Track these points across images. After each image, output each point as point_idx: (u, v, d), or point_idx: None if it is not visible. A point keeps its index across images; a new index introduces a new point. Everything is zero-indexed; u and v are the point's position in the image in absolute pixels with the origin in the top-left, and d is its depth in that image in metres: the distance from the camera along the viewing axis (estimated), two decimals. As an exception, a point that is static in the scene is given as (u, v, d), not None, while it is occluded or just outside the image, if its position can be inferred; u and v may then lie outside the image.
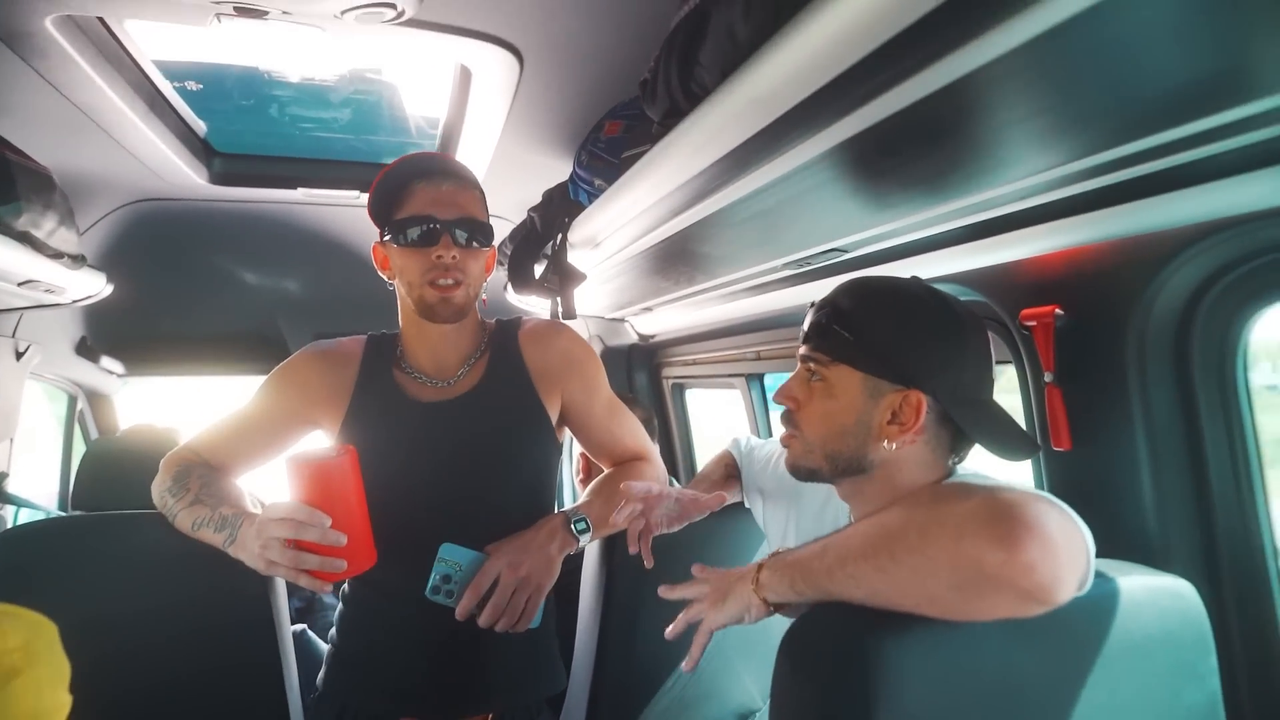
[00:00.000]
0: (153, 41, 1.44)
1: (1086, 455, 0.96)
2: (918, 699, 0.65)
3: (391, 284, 1.19)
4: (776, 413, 2.07)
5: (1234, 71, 0.55)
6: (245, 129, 1.88)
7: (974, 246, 1.02)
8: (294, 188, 2.02)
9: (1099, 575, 0.70)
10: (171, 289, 2.39)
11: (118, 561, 1.28)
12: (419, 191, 1.12)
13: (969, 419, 0.84)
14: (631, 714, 1.48)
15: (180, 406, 3.31)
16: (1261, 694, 0.86)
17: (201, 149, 1.92)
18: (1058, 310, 0.95)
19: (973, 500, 0.67)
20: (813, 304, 0.94)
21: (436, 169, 1.14)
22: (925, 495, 0.73)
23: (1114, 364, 0.91)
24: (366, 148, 2.05)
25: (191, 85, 1.52)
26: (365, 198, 2.02)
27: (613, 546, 1.44)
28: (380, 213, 1.15)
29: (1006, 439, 0.85)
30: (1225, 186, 0.73)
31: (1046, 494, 0.69)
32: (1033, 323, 0.97)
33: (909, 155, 0.80)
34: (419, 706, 1.16)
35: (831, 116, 0.72)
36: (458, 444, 1.17)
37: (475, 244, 1.14)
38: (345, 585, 1.25)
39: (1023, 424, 1.10)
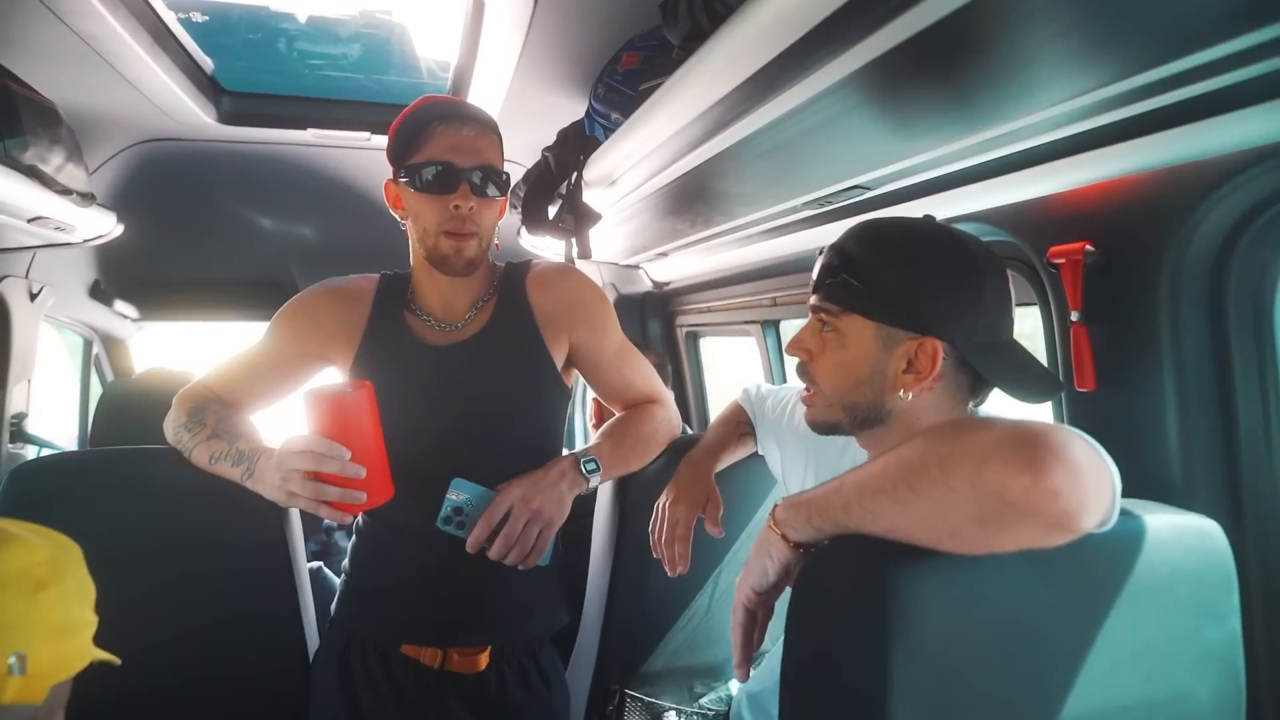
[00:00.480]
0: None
1: (1112, 395, 0.94)
2: (935, 632, 0.64)
3: (404, 223, 1.18)
4: (792, 361, 2.06)
5: None
6: (253, 66, 1.84)
7: (1001, 182, 0.99)
8: (304, 128, 1.99)
9: (1123, 513, 0.69)
10: (183, 232, 2.38)
11: (134, 495, 1.29)
12: (438, 135, 1.09)
13: (988, 363, 0.82)
14: (642, 653, 1.50)
15: (194, 351, 3.33)
16: (1276, 628, 0.86)
17: (209, 86, 1.89)
18: (1088, 247, 0.91)
19: (995, 429, 0.65)
20: (820, 249, 0.91)
21: (458, 113, 1.11)
22: (945, 428, 0.71)
23: (1145, 303, 0.89)
24: (377, 88, 2.02)
25: (197, 17, 1.48)
26: (376, 139, 2.02)
27: (625, 488, 1.44)
28: (397, 152, 1.13)
29: (1028, 381, 0.83)
30: (1268, 111, 0.69)
31: (1071, 428, 0.68)
32: (1061, 260, 0.94)
33: (934, 79, 0.76)
34: (421, 635, 1.20)
35: (857, 34, 0.69)
36: (464, 388, 1.17)
37: (491, 192, 1.12)
38: (359, 520, 1.27)
39: (1045, 364, 1.08)
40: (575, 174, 1.38)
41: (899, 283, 0.82)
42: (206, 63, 1.81)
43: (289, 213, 2.46)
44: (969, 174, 1.00)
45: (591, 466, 1.17)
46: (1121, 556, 0.70)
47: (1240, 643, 0.75)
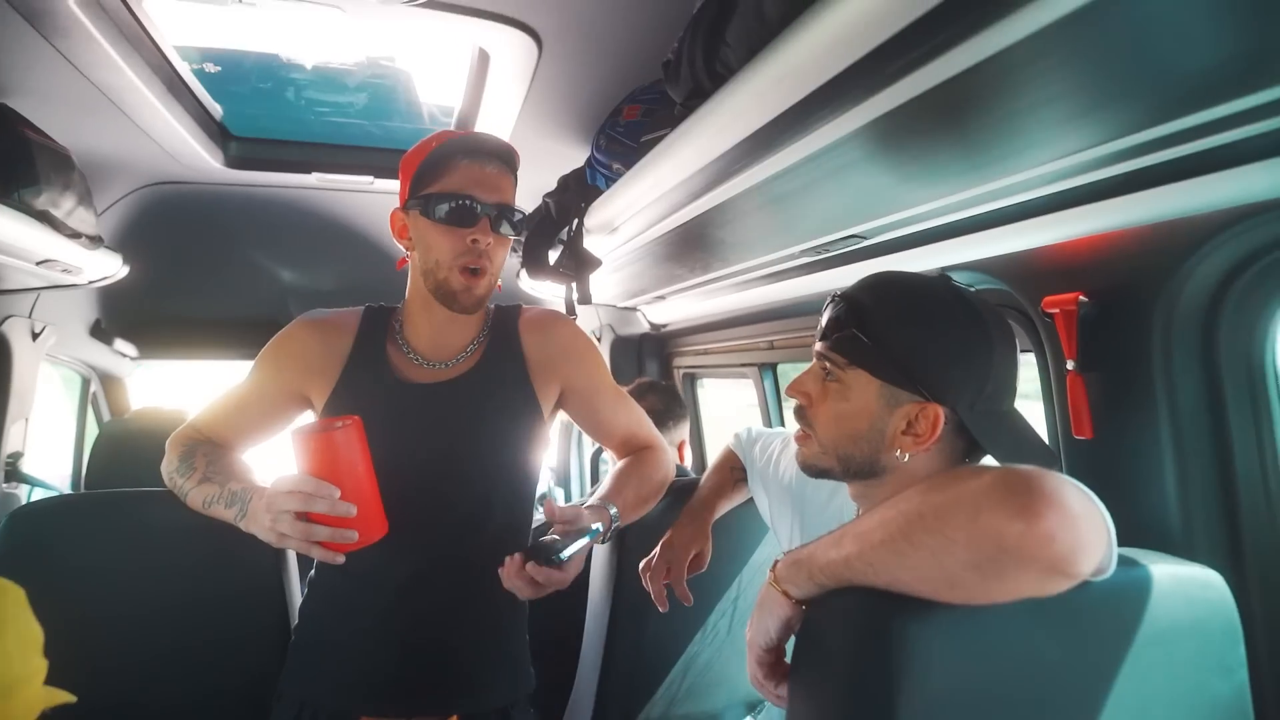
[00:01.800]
0: (171, 22, 1.44)
1: (1108, 444, 0.95)
2: (940, 682, 0.64)
3: (408, 253, 1.17)
4: (789, 403, 2.07)
5: (1269, 51, 0.54)
6: (261, 112, 1.88)
7: (996, 233, 1.01)
8: (308, 172, 2.03)
9: (1124, 561, 0.69)
10: (185, 272, 2.40)
11: (131, 538, 1.29)
12: (462, 167, 1.09)
13: (987, 433, 0.82)
14: (640, 702, 1.48)
15: (191, 389, 3.33)
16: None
17: (218, 132, 1.93)
18: (1081, 297, 0.93)
19: (987, 476, 0.66)
20: (832, 297, 0.92)
21: (484, 148, 1.11)
22: (939, 479, 0.72)
23: (1138, 352, 0.90)
24: (381, 133, 2.06)
25: (210, 68, 1.52)
26: (379, 183, 2.06)
27: (622, 539, 1.44)
28: (415, 181, 1.11)
29: (1025, 452, 0.82)
30: (1257, 170, 0.71)
31: (1059, 473, 0.68)
32: (1055, 310, 0.96)
33: (933, 138, 0.79)
34: (378, 704, 1.13)
35: (857, 96, 0.71)
36: (446, 428, 1.15)
37: (506, 230, 1.12)
38: (312, 572, 1.23)
39: (1042, 411, 1.09)
40: (577, 221, 1.41)
41: (909, 346, 0.82)
42: (216, 109, 1.85)
43: (290, 253, 2.49)
44: (965, 225, 1.02)
45: (614, 512, 1.13)
46: (1123, 607, 0.70)
47: (1249, 697, 0.75)
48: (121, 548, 1.26)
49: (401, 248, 1.19)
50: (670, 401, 2.01)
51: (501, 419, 1.18)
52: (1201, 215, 0.82)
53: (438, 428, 1.15)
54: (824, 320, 0.90)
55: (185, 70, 1.61)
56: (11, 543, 1.21)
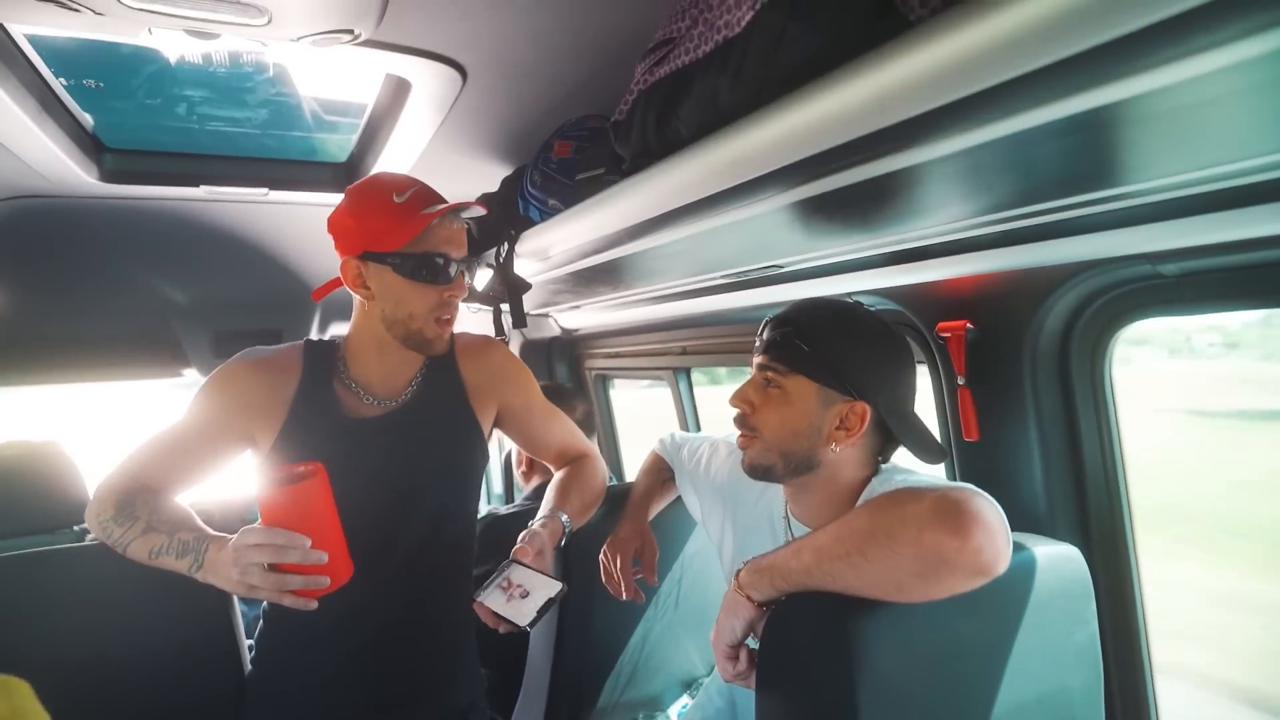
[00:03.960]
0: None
1: (990, 444, 1.15)
2: (888, 667, 0.79)
3: (364, 301, 1.18)
4: (704, 405, 2.22)
5: (1088, 169, 0.72)
6: (143, 124, 1.75)
7: (898, 269, 1.17)
8: (195, 185, 1.91)
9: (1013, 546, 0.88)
10: (52, 291, 2.19)
11: (60, 595, 1.22)
12: (436, 228, 1.13)
13: (900, 427, 1.00)
14: (589, 693, 1.58)
15: (53, 415, 3.03)
16: (1120, 627, 1.09)
17: (91, 144, 1.78)
18: (969, 325, 1.12)
19: (925, 501, 0.82)
20: (769, 319, 1.06)
21: (454, 209, 1.15)
22: (883, 500, 0.88)
23: (1013, 370, 1.10)
24: (276, 144, 1.97)
25: (90, 83, 1.42)
26: (274, 194, 1.97)
27: (569, 540, 1.53)
28: (378, 237, 1.12)
29: (926, 444, 1.02)
30: (1093, 238, 0.91)
31: (974, 487, 0.86)
32: (948, 334, 1.14)
33: (855, 209, 0.93)
34: None
35: (795, 182, 0.83)
36: (394, 458, 1.19)
37: (468, 279, 1.19)
38: (264, 609, 1.24)
39: (935, 419, 1.29)
40: (508, 247, 1.46)
41: (842, 353, 0.98)
42: (87, 120, 1.71)
43: (172, 268, 2.32)
44: (871, 260, 1.18)
45: (565, 519, 1.27)
46: (1013, 584, 0.89)
47: (1098, 641, 0.97)
48: (52, 607, 1.20)
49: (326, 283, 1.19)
50: (588, 411, 2.10)
51: (447, 444, 1.24)
52: (1057, 265, 1.02)
53: (389, 460, 1.18)
54: (764, 338, 1.05)
55: (57, 85, 1.49)
56: None
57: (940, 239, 1.03)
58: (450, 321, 1.17)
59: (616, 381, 2.64)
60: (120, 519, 1.12)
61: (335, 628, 1.16)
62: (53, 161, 1.68)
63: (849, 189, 0.80)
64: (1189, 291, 0.95)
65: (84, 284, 2.23)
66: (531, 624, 1.04)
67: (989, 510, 0.80)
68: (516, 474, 2.00)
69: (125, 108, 1.55)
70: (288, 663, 1.21)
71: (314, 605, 1.03)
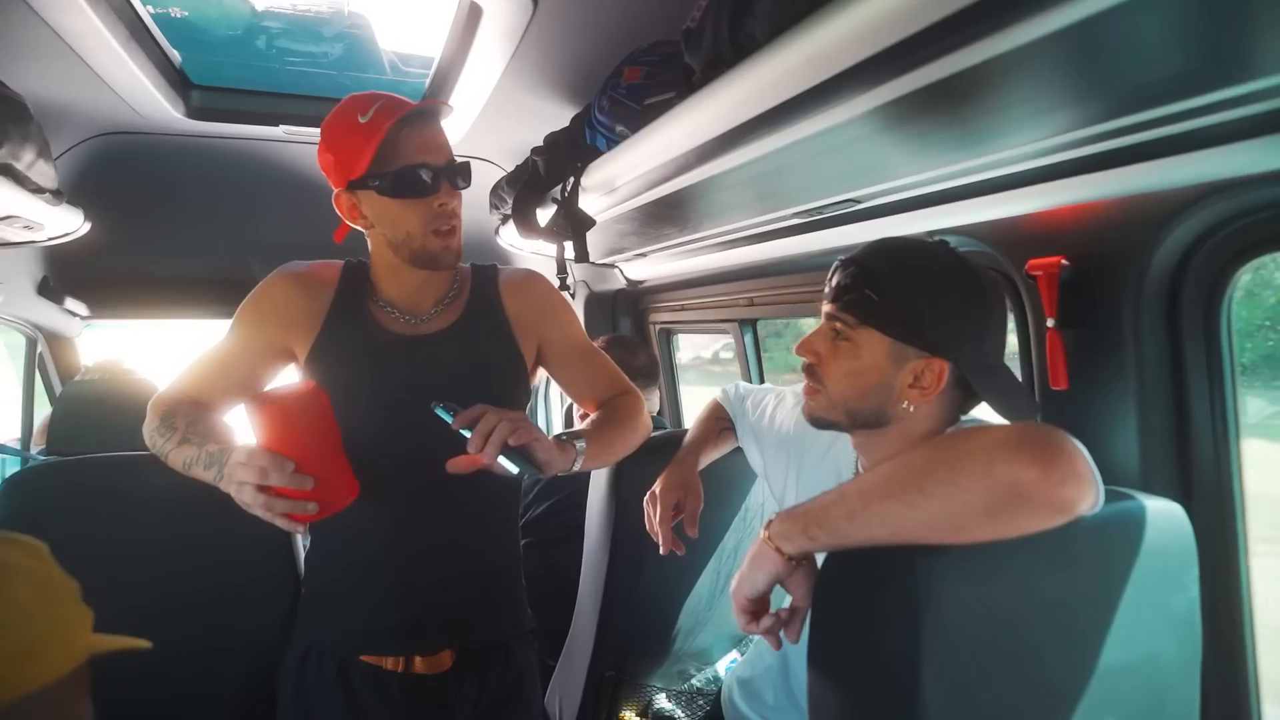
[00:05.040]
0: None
1: (1081, 394, 1.05)
2: (959, 618, 0.73)
3: (366, 230, 1.17)
4: (770, 357, 2.15)
5: (1221, 58, 0.62)
6: (226, 61, 1.80)
7: (983, 201, 1.08)
8: (275, 124, 1.96)
9: (1106, 498, 0.79)
10: (140, 227, 2.29)
11: (130, 501, 1.28)
12: (405, 139, 1.08)
13: (985, 384, 0.91)
14: (637, 641, 1.57)
15: (143, 349, 3.21)
16: (1222, 598, 0.99)
17: (178, 80, 1.84)
18: (1063, 261, 1.02)
19: (995, 432, 0.75)
20: (840, 261, 0.98)
21: (417, 112, 1.10)
22: (944, 438, 0.80)
23: (1111, 312, 1.00)
24: (352, 85, 1.98)
25: (176, 12, 1.45)
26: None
27: (618, 482, 1.50)
28: (351, 163, 1.08)
29: (1014, 401, 0.92)
30: (1217, 154, 0.79)
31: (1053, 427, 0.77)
32: (1038, 273, 1.05)
33: (934, 119, 0.84)
34: (381, 645, 1.19)
35: (872, 82, 0.75)
36: (434, 378, 1.17)
37: (462, 184, 1.15)
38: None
39: (1019, 365, 1.19)
40: (573, 180, 1.42)
41: (919, 304, 0.89)
42: (175, 56, 1.76)
43: (253, 208, 2.40)
44: (955, 192, 1.09)
45: (581, 445, 1.14)
46: (1105, 538, 0.81)
47: (1198, 608, 0.87)
48: (122, 511, 1.26)
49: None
50: (650, 362, 2.07)
51: (488, 369, 1.22)
52: (1169, 191, 0.91)
53: (426, 376, 1.17)
54: (833, 283, 0.97)
55: (146, 15, 1.53)
56: (9, 510, 1.19)
57: (1031, 163, 0.93)
58: (452, 232, 1.13)
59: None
60: (163, 429, 1.14)
61: (374, 548, 1.17)
62: (144, 96, 1.74)
63: (933, 89, 0.73)
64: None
65: (169, 221, 2.33)
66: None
67: (1071, 443, 0.72)
68: (577, 420, 1.99)
69: (208, 42, 1.58)
70: (330, 580, 1.23)
71: (302, 529, 1.01)
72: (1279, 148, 0.74)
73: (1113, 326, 1.00)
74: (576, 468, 1.12)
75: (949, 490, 0.73)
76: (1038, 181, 0.99)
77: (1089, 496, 0.72)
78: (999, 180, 1.02)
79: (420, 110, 1.10)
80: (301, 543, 1.46)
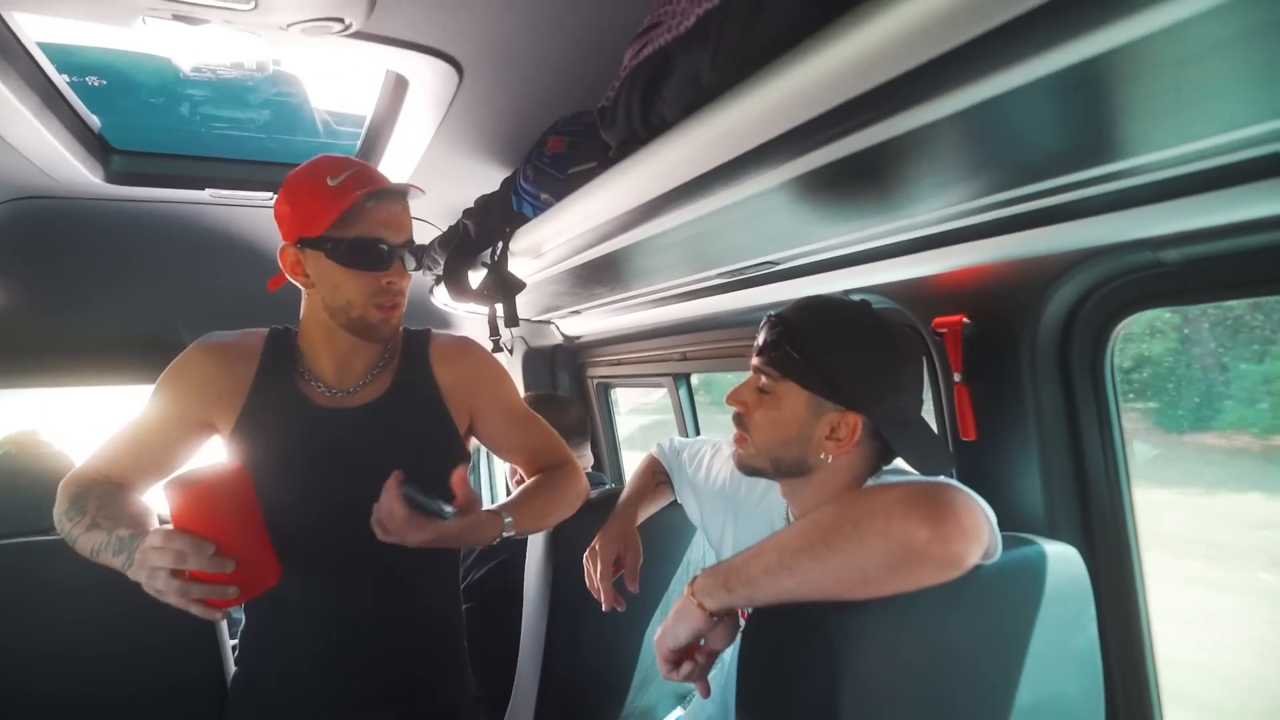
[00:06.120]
0: (43, 25, 1.35)
1: (989, 444, 1.11)
2: (874, 669, 0.75)
3: (304, 288, 1.16)
4: (705, 410, 2.19)
5: (1092, 140, 0.69)
6: (150, 125, 1.77)
7: (893, 262, 1.14)
8: (201, 188, 1.93)
9: (1006, 543, 0.83)
10: (59, 292, 2.21)
11: (44, 588, 1.21)
12: (369, 211, 1.09)
13: (898, 438, 0.96)
14: (580, 703, 1.54)
15: (67, 417, 3.04)
16: (1123, 634, 1.04)
17: (97, 145, 1.80)
18: (965, 319, 1.09)
19: (894, 490, 0.78)
20: (768, 318, 1.03)
21: (389, 189, 1.11)
22: (850, 495, 0.84)
23: (1011, 366, 1.07)
24: (280, 148, 1.99)
25: (94, 81, 1.43)
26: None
27: (556, 544, 1.49)
28: (308, 221, 1.09)
29: (928, 456, 0.96)
30: (1092, 223, 0.88)
31: (952, 481, 0.82)
32: (944, 330, 1.11)
33: (844, 191, 0.90)
34: (322, 716, 1.15)
35: (781, 159, 0.80)
36: (362, 452, 1.15)
37: (411, 265, 1.14)
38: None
39: (933, 418, 1.25)
40: (501, 245, 1.45)
41: (833, 360, 0.94)
42: (94, 121, 1.73)
43: (180, 271, 2.34)
44: (866, 254, 1.15)
45: (509, 520, 1.15)
46: (1007, 582, 0.85)
47: (1098, 646, 0.92)
48: (36, 599, 1.18)
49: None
50: (581, 417, 2.08)
51: (416, 441, 1.20)
52: (1055, 255, 0.99)
53: (353, 450, 1.15)
54: (760, 339, 1.01)
55: (60, 81, 1.51)
56: None
57: (934, 228, 1.00)
58: (395, 308, 1.13)
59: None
60: (71, 513, 1.09)
61: (311, 623, 1.14)
62: (58, 161, 1.70)
63: (836, 165, 0.78)
64: (1193, 280, 0.91)
65: (88, 286, 2.25)
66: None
67: (962, 500, 0.76)
68: (510, 483, 1.97)
69: (131, 108, 1.56)
70: (267, 658, 1.19)
71: (220, 616, 0.97)
72: (1142, 219, 0.82)
73: (1013, 379, 1.07)
74: (508, 535, 1.13)
75: (852, 545, 0.77)
76: (940, 245, 1.05)
77: (976, 551, 0.76)
78: (906, 244, 1.09)
79: (385, 188, 1.11)
80: (225, 630, 1.39)
